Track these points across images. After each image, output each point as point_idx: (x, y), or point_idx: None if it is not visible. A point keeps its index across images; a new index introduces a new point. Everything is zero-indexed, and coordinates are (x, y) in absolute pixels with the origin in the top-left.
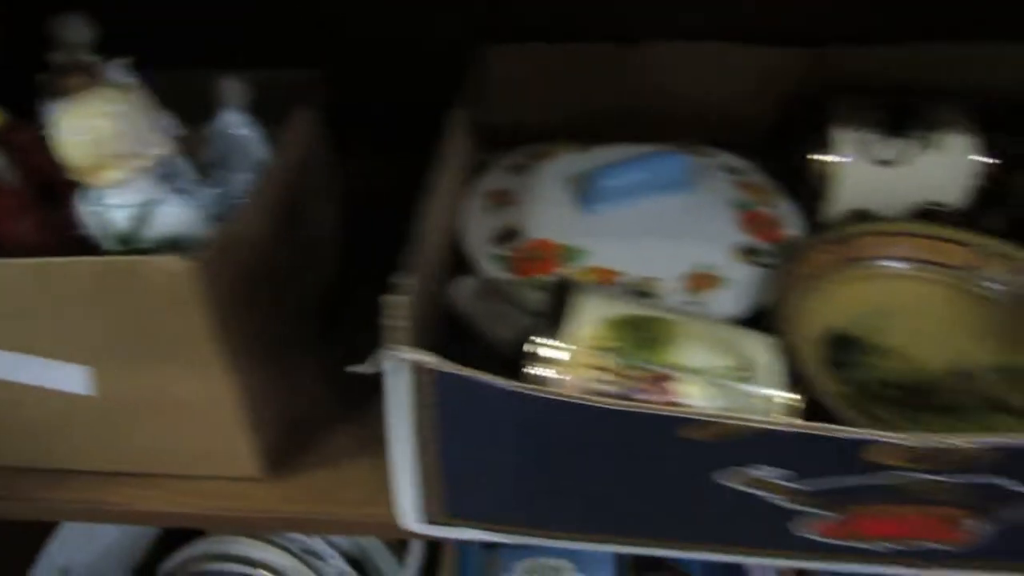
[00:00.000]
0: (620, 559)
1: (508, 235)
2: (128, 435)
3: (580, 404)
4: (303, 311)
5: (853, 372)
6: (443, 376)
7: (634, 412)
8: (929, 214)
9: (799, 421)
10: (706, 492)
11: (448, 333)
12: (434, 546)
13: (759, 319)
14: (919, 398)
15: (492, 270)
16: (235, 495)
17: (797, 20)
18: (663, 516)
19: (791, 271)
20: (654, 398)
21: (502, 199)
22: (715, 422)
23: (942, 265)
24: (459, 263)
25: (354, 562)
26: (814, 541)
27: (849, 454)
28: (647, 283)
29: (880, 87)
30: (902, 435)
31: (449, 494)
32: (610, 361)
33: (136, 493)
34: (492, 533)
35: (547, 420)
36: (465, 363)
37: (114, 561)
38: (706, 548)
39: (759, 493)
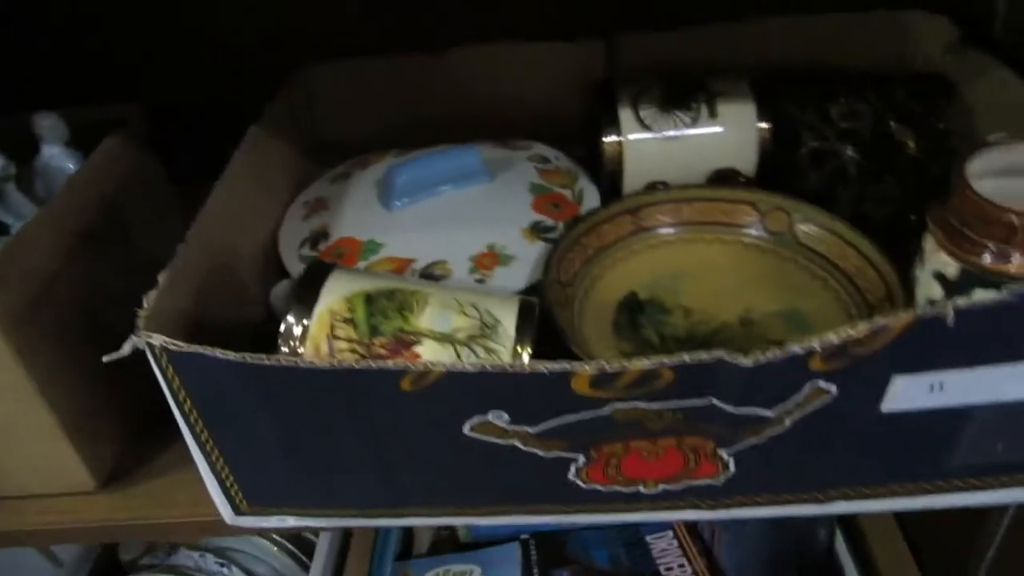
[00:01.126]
0: (526, 559)
1: (318, 237)
2: None
3: (293, 368)
4: None
5: (643, 332)
6: (175, 355)
7: (346, 370)
8: (721, 179)
9: (497, 362)
10: (467, 449)
11: None
12: (342, 559)
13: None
14: (696, 348)
15: (300, 271)
16: (74, 509)
17: (594, 15)
18: (438, 481)
19: (579, 243)
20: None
21: (318, 206)
22: (427, 370)
23: (725, 224)
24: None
25: None
26: (591, 490)
27: (559, 389)
28: (438, 266)
29: (670, 68)
30: (585, 363)
31: (242, 481)
32: (351, 331)
33: None
34: (299, 518)
35: (280, 391)
36: None
37: None
38: (493, 511)
39: (508, 443)
